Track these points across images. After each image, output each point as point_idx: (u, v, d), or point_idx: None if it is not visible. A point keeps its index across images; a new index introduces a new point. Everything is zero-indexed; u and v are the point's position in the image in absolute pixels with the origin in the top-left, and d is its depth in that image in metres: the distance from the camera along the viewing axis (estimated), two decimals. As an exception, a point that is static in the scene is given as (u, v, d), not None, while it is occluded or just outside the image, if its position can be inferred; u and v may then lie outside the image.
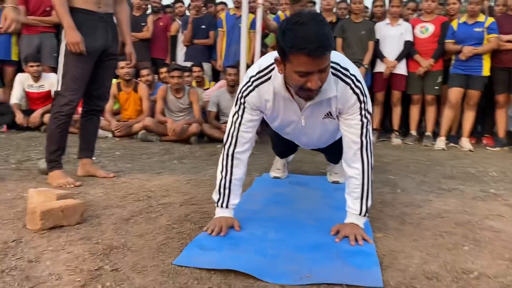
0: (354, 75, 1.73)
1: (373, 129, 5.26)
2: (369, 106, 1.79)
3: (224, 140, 1.89)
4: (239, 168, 1.88)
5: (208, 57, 6.17)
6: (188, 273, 1.42)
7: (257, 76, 1.79)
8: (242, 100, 1.83)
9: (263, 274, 1.40)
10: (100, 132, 4.78)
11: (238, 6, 5.54)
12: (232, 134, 1.86)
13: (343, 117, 1.81)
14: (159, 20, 6.36)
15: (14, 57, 5.56)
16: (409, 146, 5.00)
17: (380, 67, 5.13)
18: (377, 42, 5.06)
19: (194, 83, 5.50)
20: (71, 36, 2.45)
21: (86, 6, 2.54)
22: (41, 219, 1.73)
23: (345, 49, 5.01)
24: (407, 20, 5.28)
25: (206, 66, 6.06)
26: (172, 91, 4.79)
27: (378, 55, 5.11)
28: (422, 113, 5.33)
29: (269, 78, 1.76)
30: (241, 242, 1.70)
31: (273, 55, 1.73)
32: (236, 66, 4.83)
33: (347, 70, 1.73)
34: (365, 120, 1.77)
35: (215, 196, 1.90)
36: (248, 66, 5.09)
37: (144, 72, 5.32)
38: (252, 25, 5.19)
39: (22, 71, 5.28)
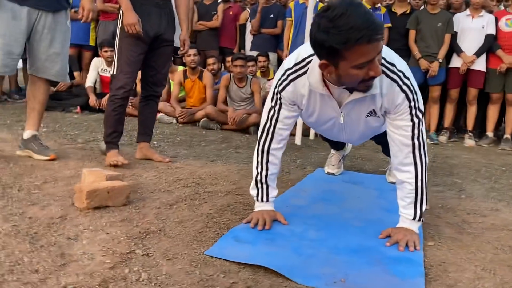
0: (401, 71, 1.57)
1: (444, 129, 4.95)
2: (421, 103, 1.63)
3: (259, 135, 1.81)
4: (274, 164, 1.81)
5: (275, 46, 6.10)
6: (218, 265, 1.38)
7: (294, 69, 1.66)
8: (278, 96, 1.72)
9: (294, 274, 1.33)
10: (165, 118, 4.95)
11: (307, -5, 5.41)
12: (268, 130, 1.77)
13: (390, 117, 1.65)
14: (229, 9, 6.38)
15: (91, 42, 5.88)
16: (483, 148, 4.62)
17: (456, 62, 4.77)
18: (454, 35, 4.71)
19: (258, 73, 5.47)
20: (128, 18, 2.51)
21: None
22: (87, 199, 1.78)
23: (419, 42, 4.73)
24: (490, 12, 4.86)
25: (272, 56, 6.00)
26: (235, 80, 4.79)
27: (455, 49, 4.75)
28: (502, 113, 4.91)
29: (306, 72, 1.63)
30: (278, 237, 1.63)
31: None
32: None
33: (393, 65, 1.56)
34: (416, 120, 1.61)
35: (253, 191, 1.85)
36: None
37: (210, 60, 5.38)
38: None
39: (98, 56, 5.56)
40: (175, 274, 1.29)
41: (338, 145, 2.79)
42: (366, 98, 1.61)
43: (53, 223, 1.61)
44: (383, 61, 1.52)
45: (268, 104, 1.77)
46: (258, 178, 1.83)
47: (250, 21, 6.26)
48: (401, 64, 1.59)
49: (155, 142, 3.69)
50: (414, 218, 1.70)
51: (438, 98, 4.80)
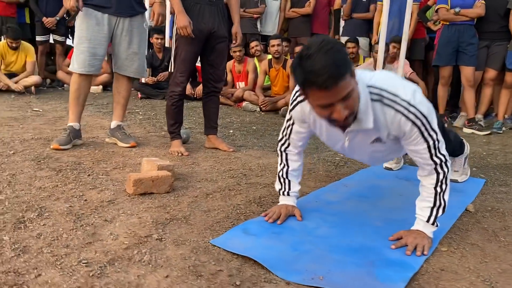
0: (406, 100, 1.55)
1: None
2: (433, 123, 1.59)
3: (280, 135, 1.93)
4: (295, 162, 1.93)
5: (366, 31, 5.97)
6: (215, 253, 1.56)
7: (299, 93, 1.72)
8: (290, 113, 1.83)
9: (277, 268, 1.45)
10: (250, 106, 5.21)
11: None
12: (285, 135, 1.90)
13: (404, 143, 1.67)
14: (322, -5, 6.37)
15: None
16: None
17: None
18: None
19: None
20: (180, 21, 2.75)
21: None
22: (134, 186, 2.08)
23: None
24: None
25: (364, 41, 5.90)
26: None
27: None
28: None
29: None
30: (285, 232, 1.75)
31: None
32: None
33: (396, 96, 1.55)
34: (431, 141, 1.60)
35: (277, 186, 1.98)
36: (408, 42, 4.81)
37: (298, 49, 5.48)
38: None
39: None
40: (173, 258, 1.50)
41: None
42: (367, 129, 1.62)
43: (101, 206, 1.93)
44: (384, 93, 1.56)
45: (287, 115, 1.88)
46: (281, 173, 1.96)
47: (341, 6, 6.19)
48: (406, 92, 1.57)
49: (231, 131, 3.97)
50: (428, 221, 1.69)
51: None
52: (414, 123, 1.57)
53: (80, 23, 2.91)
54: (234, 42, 3.11)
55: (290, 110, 1.82)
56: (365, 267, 1.49)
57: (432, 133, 1.60)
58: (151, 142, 3.29)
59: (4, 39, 5.60)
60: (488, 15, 4.39)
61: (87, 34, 2.90)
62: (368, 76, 1.62)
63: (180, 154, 2.89)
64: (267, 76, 5.34)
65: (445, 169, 1.67)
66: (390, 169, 2.82)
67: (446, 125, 2.51)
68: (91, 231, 1.67)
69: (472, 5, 4.32)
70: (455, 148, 2.51)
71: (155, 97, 5.69)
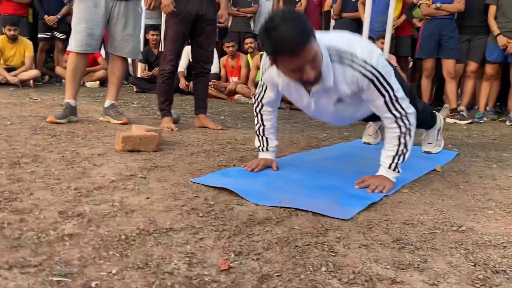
0: (362, 59, 1.67)
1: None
2: (390, 79, 1.72)
3: (253, 98, 2.09)
4: (269, 120, 2.09)
5: (356, 30, 6.15)
6: (194, 187, 1.71)
7: (268, 60, 1.81)
8: (262, 79, 1.98)
9: (248, 195, 1.59)
10: (242, 99, 5.38)
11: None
12: (258, 98, 2.05)
13: (365, 98, 1.79)
14: (314, -4, 6.59)
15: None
16: None
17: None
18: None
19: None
20: (163, 0, 2.94)
21: None
22: (122, 142, 2.23)
23: (499, 18, 4.49)
24: None
25: (353, 39, 6.08)
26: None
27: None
28: None
29: None
30: (261, 176, 1.90)
31: None
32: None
33: (353, 55, 1.68)
34: (387, 95, 1.73)
35: (256, 143, 2.14)
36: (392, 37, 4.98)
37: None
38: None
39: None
40: (155, 188, 1.65)
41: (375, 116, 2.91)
42: (329, 89, 1.75)
43: (91, 157, 2.08)
44: (343, 54, 1.68)
45: (259, 81, 2.04)
46: (258, 132, 2.12)
47: (331, 6, 6.40)
48: (363, 50, 1.68)
49: (222, 117, 4.12)
50: (389, 167, 1.84)
51: (521, 77, 4.50)
52: (369, 79, 1.70)
53: (78, 4, 3.09)
54: (219, 22, 3.28)
55: (262, 75, 1.98)
56: (329, 198, 1.64)
57: (388, 87, 1.72)
58: (143, 122, 3.43)
59: (3, 32, 5.77)
60: (468, 11, 4.60)
61: (84, 15, 3.07)
62: (329, 38, 1.74)
63: (170, 129, 3.05)
64: (259, 70, 5.51)
65: (407, 122, 1.79)
66: (369, 143, 2.98)
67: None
68: (81, 170, 1.82)
69: (453, 0, 4.53)
70: (426, 118, 2.65)
71: (150, 91, 5.85)
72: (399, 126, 1.81)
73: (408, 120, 1.81)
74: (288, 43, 1.50)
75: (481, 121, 4.58)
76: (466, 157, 2.77)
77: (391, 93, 1.74)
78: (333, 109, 1.93)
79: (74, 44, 3.10)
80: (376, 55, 1.71)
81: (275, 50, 1.55)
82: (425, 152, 2.75)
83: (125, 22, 3.19)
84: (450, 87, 4.65)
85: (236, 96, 5.44)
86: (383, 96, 1.74)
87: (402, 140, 1.83)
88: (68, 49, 3.19)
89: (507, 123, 4.47)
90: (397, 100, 1.76)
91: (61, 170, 1.80)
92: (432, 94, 5.48)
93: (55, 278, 0.94)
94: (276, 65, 1.65)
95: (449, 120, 4.59)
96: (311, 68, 1.59)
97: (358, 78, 1.71)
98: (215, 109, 4.62)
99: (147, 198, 1.52)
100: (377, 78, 1.70)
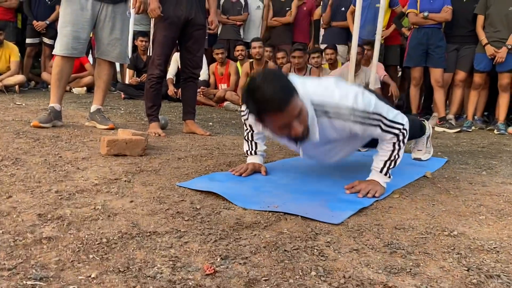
0: (348, 108, 1.65)
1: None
2: (377, 107, 1.70)
3: (242, 108, 2.05)
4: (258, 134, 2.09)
5: (345, 39, 6.18)
6: (180, 191, 1.66)
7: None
8: (245, 121, 2.01)
9: (235, 199, 1.55)
10: (231, 106, 5.34)
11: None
12: (246, 113, 1.98)
13: (360, 134, 1.77)
14: (303, 5, 6.60)
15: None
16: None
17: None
18: (528, 20, 4.41)
19: (326, 66, 5.62)
20: (151, 3, 2.91)
21: None
22: (107, 146, 2.17)
23: (487, 27, 4.51)
24: None
25: (342, 48, 6.10)
26: (295, 70, 5.02)
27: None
28: None
29: None
30: (249, 180, 1.86)
31: None
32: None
33: (339, 107, 1.66)
34: (381, 123, 1.72)
35: (244, 147, 2.11)
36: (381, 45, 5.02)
37: (279, 55, 5.67)
38: (392, 2, 5.09)
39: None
40: (139, 192, 1.60)
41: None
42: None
43: (75, 160, 2.02)
44: (328, 108, 1.66)
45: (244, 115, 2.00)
46: (246, 137, 2.09)
47: (321, 15, 6.43)
48: (348, 99, 1.66)
49: (210, 123, 4.08)
50: (381, 171, 1.82)
51: (508, 86, 4.52)
52: (361, 122, 1.69)
53: (64, 7, 3.04)
54: (209, 29, 3.25)
55: (245, 119, 2.00)
56: (318, 202, 1.60)
57: (379, 117, 1.70)
58: (130, 127, 3.36)
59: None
60: (457, 20, 4.63)
61: (70, 18, 3.02)
62: (309, 91, 1.68)
63: (157, 135, 2.99)
64: (248, 77, 5.50)
65: (404, 132, 1.79)
66: (358, 150, 2.95)
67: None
68: (64, 174, 1.76)
69: (440, 10, 4.56)
70: (415, 133, 2.63)
71: (138, 97, 5.79)
72: (397, 135, 1.80)
73: (405, 130, 1.81)
74: (273, 101, 1.49)
75: (470, 130, 4.60)
76: (456, 164, 2.77)
77: (384, 120, 1.73)
78: (323, 149, 1.93)
79: (60, 47, 3.04)
80: (359, 97, 1.68)
81: (260, 109, 1.53)
82: (414, 159, 2.74)
83: (112, 26, 3.15)
84: (439, 96, 4.67)
85: (225, 103, 5.40)
86: (379, 126, 1.73)
87: (397, 146, 1.82)
88: (53, 52, 3.14)
89: (495, 132, 4.49)
90: (391, 121, 1.76)
91: (42, 173, 1.74)
92: (421, 103, 5.49)
93: (29, 282, 0.89)
94: (262, 124, 1.63)
95: (438, 128, 4.60)
96: (298, 123, 1.56)
97: (349, 126, 1.70)
98: (204, 116, 4.58)
99: (131, 201, 1.47)
100: (368, 117, 1.69)
